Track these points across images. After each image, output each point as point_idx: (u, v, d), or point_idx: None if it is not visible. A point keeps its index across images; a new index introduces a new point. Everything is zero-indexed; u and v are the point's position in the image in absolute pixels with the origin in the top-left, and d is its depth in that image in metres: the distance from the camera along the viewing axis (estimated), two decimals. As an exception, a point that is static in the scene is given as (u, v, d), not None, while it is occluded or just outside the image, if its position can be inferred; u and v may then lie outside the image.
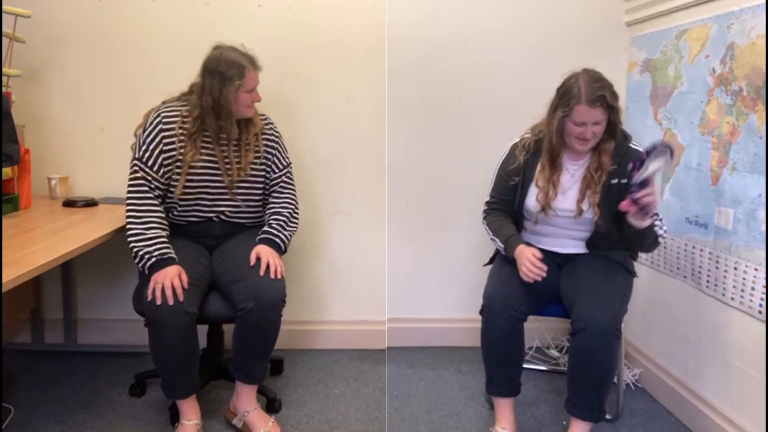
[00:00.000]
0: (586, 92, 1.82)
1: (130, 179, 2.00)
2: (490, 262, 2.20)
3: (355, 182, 2.67)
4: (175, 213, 2.10)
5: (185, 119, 2.03)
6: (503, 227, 2.07)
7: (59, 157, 2.57)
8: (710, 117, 2.05)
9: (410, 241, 2.74)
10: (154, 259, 1.86)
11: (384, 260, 2.74)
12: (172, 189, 2.04)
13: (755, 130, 1.84)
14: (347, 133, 2.64)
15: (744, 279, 1.89)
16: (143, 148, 2.00)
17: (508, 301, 1.91)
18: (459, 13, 2.58)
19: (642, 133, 2.43)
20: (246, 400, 2.02)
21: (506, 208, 2.11)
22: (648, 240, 1.91)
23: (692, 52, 2.15)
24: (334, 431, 2.09)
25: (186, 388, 1.94)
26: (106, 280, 2.67)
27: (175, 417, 2.01)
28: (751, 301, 1.87)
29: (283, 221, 2.10)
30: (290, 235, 2.11)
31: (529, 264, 1.88)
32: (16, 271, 1.47)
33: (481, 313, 1.96)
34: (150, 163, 1.99)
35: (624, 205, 1.78)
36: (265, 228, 2.07)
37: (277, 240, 2.04)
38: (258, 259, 1.95)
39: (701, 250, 2.10)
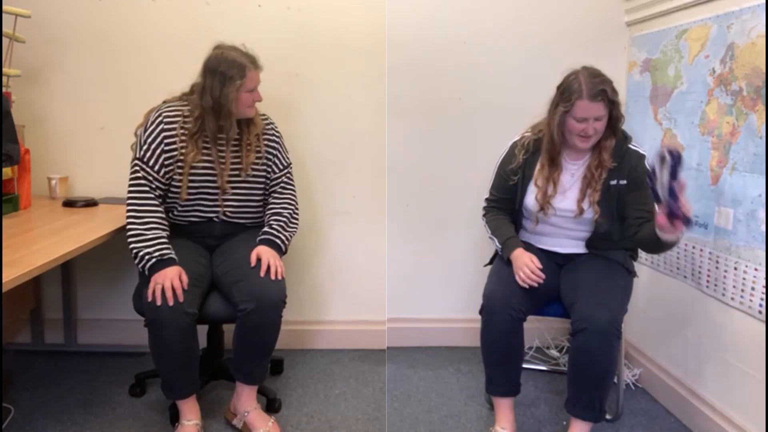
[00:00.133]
0: (587, 87, 1.83)
1: (131, 179, 1.99)
2: (491, 262, 2.20)
3: (355, 182, 2.67)
4: (176, 213, 2.10)
5: (186, 119, 2.03)
6: (502, 227, 2.08)
7: (59, 157, 2.57)
8: (710, 117, 2.05)
9: (410, 241, 2.74)
10: (154, 260, 1.86)
11: (384, 260, 2.74)
12: (172, 189, 2.04)
13: (755, 130, 1.84)
14: (347, 133, 2.64)
15: (744, 279, 1.89)
16: (144, 147, 2.00)
17: (507, 301, 1.91)
18: (459, 13, 2.58)
19: (642, 133, 2.43)
20: (246, 400, 2.02)
21: (505, 206, 2.12)
22: (668, 246, 1.86)
23: (692, 52, 2.15)
24: (334, 431, 2.09)
25: (186, 388, 1.94)
26: (106, 280, 2.67)
27: (175, 417, 2.01)
28: (751, 301, 1.87)
29: (284, 222, 2.10)
30: (290, 236, 2.11)
31: (528, 270, 1.89)
32: (16, 271, 1.47)
33: (480, 313, 1.96)
34: (151, 163, 1.99)
35: (661, 221, 1.70)
36: (266, 228, 2.07)
37: (278, 241, 2.04)
38: (258, 259, 1.95)
39: (701, 250, 2.10)
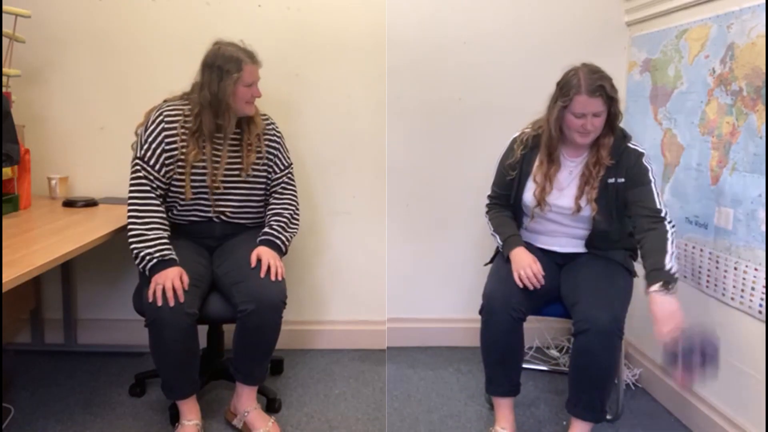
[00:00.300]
0: (586, 82, 1.83)
1: (132, 178, 1.99)
2: (491, 261, 2.20)
3: (355, 182, 2.67)
4: (176, 212, 2.09)
5: (187, 118, 2.03)
6: (505, 225, 2.08)
7: (59, 157, 2.57)
8: (710, 117, 2.05)
9: (410, 241, 2.74)
10: (155, 261, 1.86)
11: (384, 260, 2.74)
12: (173, 188, 2.04)
13: (755, 130, 1.84)
14: (347, 133, 2.64)
15: (744, 279, 1.89)
16: (145, 146, 1.99)
17: (507, 301, 1.91)
18: (459, 13, 2.58)
19: (642, 133, 2.43)
20: (246, 400, 2.02)
21: (507, 202, 2.12)
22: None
23: (692, 52, 2.15)
24: (334, 431, 2.09)
25: (186, 388, 1.94)
26: (106, 280, 2.67)
27: (175, 417, 2.01)
28: (751, 301, 1.87)
29: (284, 222, 2.10)
30: (291, 236, 2.10)
31: (530, 271, 1.89)
32: (16, 271, 1.47)
33: (480, 312, 1.96)
34: (152, 162, 1.99)
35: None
36: (266, 229, 2.07)
37: (278, 241, 2.04)
38: (258, 260, 1.95)
39: (701, 250, 2.10)
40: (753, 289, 1.86)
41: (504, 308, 1.90)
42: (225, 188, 2.09)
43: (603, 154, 1.94)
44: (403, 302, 2.78)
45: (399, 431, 2.11)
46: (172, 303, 1.80)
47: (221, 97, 1.97)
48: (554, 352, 2.73)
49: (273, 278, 1.92)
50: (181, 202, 2.07)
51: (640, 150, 1.96)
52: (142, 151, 1.99)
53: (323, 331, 2.76)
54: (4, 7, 2.23)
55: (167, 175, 2.01)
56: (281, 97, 2.55)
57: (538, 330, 2.74)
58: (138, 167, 1.99)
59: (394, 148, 2.66)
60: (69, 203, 2.38)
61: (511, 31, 2.60)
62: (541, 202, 2.00)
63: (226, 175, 2.07)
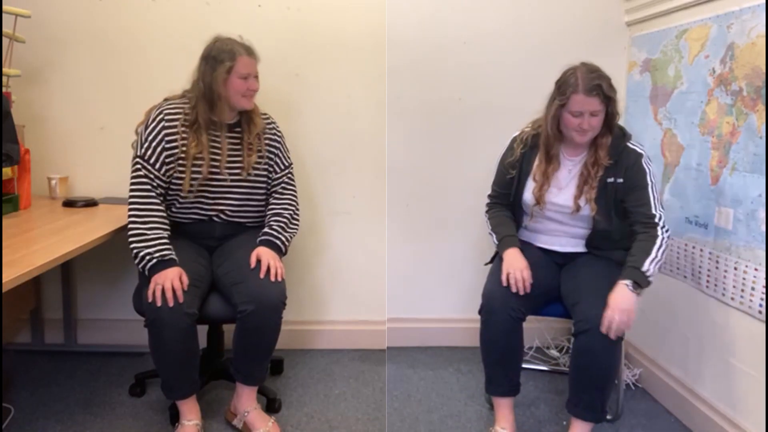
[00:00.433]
0: (583, 81, 1.84)
1: (133, 177, 1.99)
2: (491, 261, 2.20)
3: (355, 182, 2.67)
4: (175, 210, 2.09)
5: (187, 116, 2.03)
6: (503, 224, 2.08)
7: (59, 157, 2.57)
8: (710, 117, 2.05)
9: (410, 241, 2.74)
10: (154, 261, 1.86)
11: (384, 260, 2.74)
12: (173, 186, 2.04)
13: (755, 130, 1.84)
14: (347, 133, 2.64)
15: (744, 279, 1.89)
16: (145, 145, 1.99)
17: (506, 301, 1.90)
18: (459, 13, 2.58)
19: (642, 133, 2.43)
20: (246, 400, 2.02)
21: (506, 201, 2.12)
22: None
23: (692, 52, 2.15)
24: (334, 431, 2.09)
25: (186, 388, 1.94)
26: (106, 280, 2.67)
27: (175, 417, 2.01)
28: (751, 301, 1.86)
29: (284, 223, 2.10)
30: (291, 237, 2.10)
31: (519, 275, 1.89)
32: (16, 271, 1.47)
33: (480, 312, 1.96)
34: (152, 161, 1.99)
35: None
36: (266, 229, 2.06)
37: (278, 242, 2.04)
38: (258, 261, 1.95)
39: (701, 250, 2.10)
40: (753, 289, 1.86)
41: (503, 308, 1.90)
42: (225, 187, 2.09)
43: (601, 154, 1.94)
44: (403, 302, 2.78)
45: (399, 431, 2.11)
46: (171, 303, 1.80)
47: (214, 87, 1.97)
48: (554, 352, 2.73)
49: (273, 279, 1.92)
50: (181, 200, 2.06)
51: (639, 150, 1.96)
52: (143, 150, 1.99)
53: (323, 331, 2.76)
54: (4, 7, 2.23)
55: (167, 174, 2.01)
56: (281, 97, 2.55)
57: (538, 330, 2.74)
58: (138, 166, 1.99)
59: (394, 148, 2.66)
60: (69, 203, 2.38)
61: (511, 31, 2.60)
62: (539, 200, 2.00)
63: (226, 174, 2.07)
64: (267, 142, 2.15)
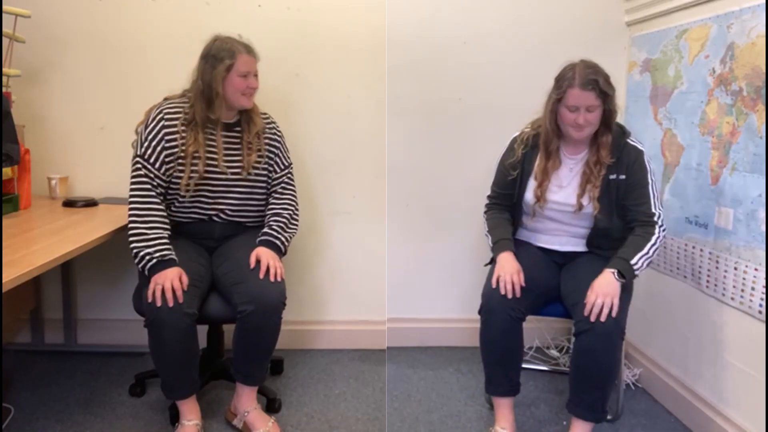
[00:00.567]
0: (580, 76, 1.85)
1: (133, 177, 1.99)
2: (491, 262, 2.19)
3: (355, 182, 2.67)
4: (175, 209, 2.09)
5: (187, 115, 2.03)
6: (499, 227, 2.08)
7: (59, 157, 2.57)
8: (710, 117, 2.05)
9: (410, 241, 2.74)
10: (154, 261, 1.86)
11: (384, 260, 2.74)
12: (173, 185, 2.04)
13: (755, 130, 1.84)
14: (347, 133, 2.64)
15: (744, 279, 1.89)
16: (145, 144, 1.99)
17: (506, 301, 1.90)
18: (459, 13, 2.58)
19: (642, 132, 2.43)
20: (246, 400, 2.02)
21: (506, 202, 2.12)
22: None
23: (692, 52, 2.15)
24: (334, 431, 2.09)
25: (186, 388, 1.94)
26: (106, 280, 2.67)
27: (175, 417, 2.01)
28: (751, 301, 1.86)
29: (284, 223, 2.10)
30: (290, 237, 2.10)
31: (509, 278, 1.89)
32: (16, 271, 1.47)
33: (479, 312, 1.96)
34: (152, 160, 1.99)
35: None
36: (265, 230, 2.06)
37: (277, 242, 2.04)
38: (258, 261, 1.95)
39: (701, 250, 2.10)
40: (753, 289, 1.86)
41: (503, 308, 1.90)
42: (225, 186, 2.09)
43: (603, 154, 1.95)
44: (403, 302, 2.78)
45: (399, 431, 2.11)
46: (171, 303, 1.80)
47: (213, 85, 1.98)
48: (554, 352, 2.73)
49: (272, 279, 1.92)
50: (181, 199, 2.06)
51: (640, 147, 1.97)
52: (143, 149, 1.99)
53: (323, 331, 2.76)
54: (4, 7, 2.23)
55: (167, 173, 2.01)
56: (281, 97, 2.55)
57: (538, 330, 2.74)
58: (139, 165, 1.99)
59: (394, 148, 2.66)
60: (69, 203, 2.38)
61: (511, 31, 2.60)
62: (540, 197, 2.00)
63: (226, 173, 2.07)
64: (267, 141, 2.15)
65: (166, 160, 2.00)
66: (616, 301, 1.79)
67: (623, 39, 2.62)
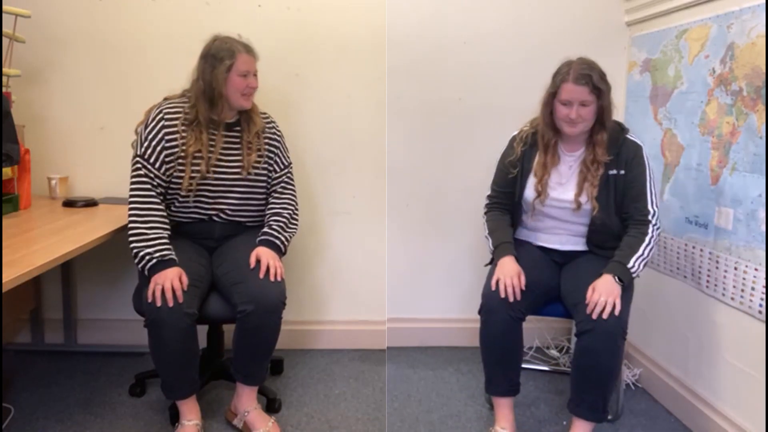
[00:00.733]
0: (574, 71, 1.87)
1: (132, 176, 1.99)
2: (491, 262, 2.19)
3: (355, 182, 2.67)
4: (175, 209, 2.09)
5: (187, 115, 2.03)
6: (500, 229, 2.08)
7: (59, 157, 2.57)
8: (710, 117, 2.05)
9: (410, 241, 2.74)
10: (154, 261, 1.86)
11: (384, 260, 2.74)
12: (173, 185, 2.04)
13: (755, 130, 1.84)
14: (347, 133, 2.64)
15: (744, 279, 1.89)
16: (145, 144, 1.99)
17: (506, 301, 1.90)
18: (459, 13, 2.58)
19: (642, 132, 2.43)
20: (246, 400, 2.02)
21: (506, 201, 2.12)
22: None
23: (692, 52, 2.15)
24: (334, 431, 2.09)
25: (186, 388, 1.94)
26: (106, 280, 2.67)
27: (175, 417, 2.01)
28: (751, 301, 1.86)
29: (283, 222, 2.10)
30: (290, 237, 2.10)
31: (509, 281, 1.89)
32: (16, 271, 1.47)
33: (479, 312, 1.96)
34: (152, 160, 1.99)
35: None
36: (265, 229, 2.06)
37: (277, 242, 2.04)
38: (258, 261, 1.95)
39: (701, 250, 2.10)
40: (753, 289, 1.86)
41: (503, 308, 1.90)
42: (225, 186, 2.08)
43: (599, 152, 1.95)
44: (403, 302, 2.78)
45: (399, 431, 2.11)
46: (171, 303, 1.80)
47: (214, 85, 1.98)
48: (554, 352, 2.73)
49: (272, 279, 1.92)
50: (181, 199, 2.06)
51: (639, 142, 1.97)
52: (143, 149, 1.99)
53: (323, 331, 2.76)
54: (4, 7, 2.23)
55: (167, 173, 2.01)
56: (281, 97, 2.55)
57: (538, 330, 2.74)
58: (138, 165, 1.99)
59: (394, 148, 2.66)
60: (69, 203, 2.38)
61: (511, 31, 2.60)
62: (541, 193, 2.00)
63: (226, 173, 2.07)
64: (266, 141, 2.15)
65: (166, 160, 2.00)
66: (618, 301, 1.79)
67: (623, 39, 2.62)
